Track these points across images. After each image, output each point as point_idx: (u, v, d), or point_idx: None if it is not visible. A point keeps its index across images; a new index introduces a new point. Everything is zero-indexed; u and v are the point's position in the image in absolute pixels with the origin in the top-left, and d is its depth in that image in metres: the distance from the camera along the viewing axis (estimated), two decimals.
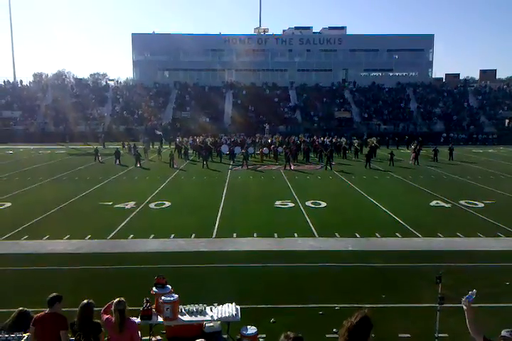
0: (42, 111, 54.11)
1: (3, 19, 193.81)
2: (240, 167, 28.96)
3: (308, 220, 15.21)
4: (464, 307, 4.54)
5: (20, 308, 5.65)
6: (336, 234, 13.49)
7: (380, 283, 9.88)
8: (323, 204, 17.77)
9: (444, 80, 73.09)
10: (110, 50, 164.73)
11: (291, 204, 17.70)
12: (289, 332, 3.81)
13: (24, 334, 4.90)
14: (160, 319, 6.96)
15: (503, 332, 4.13)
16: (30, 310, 5.74)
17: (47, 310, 5.40)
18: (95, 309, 5.59)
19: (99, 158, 31.82)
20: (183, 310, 7.10)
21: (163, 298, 6.92)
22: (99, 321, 5.53)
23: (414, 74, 66.78)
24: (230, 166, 29.71)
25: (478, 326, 4.36)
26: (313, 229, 14.12)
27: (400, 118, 53.88)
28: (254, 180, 24.47)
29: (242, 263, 11.04)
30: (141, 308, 6.93)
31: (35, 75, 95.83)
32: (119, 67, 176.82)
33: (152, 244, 12.57)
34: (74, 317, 5.54)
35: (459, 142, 47.31)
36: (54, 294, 5.46)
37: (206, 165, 28.79)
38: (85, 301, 5.38)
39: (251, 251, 12.02)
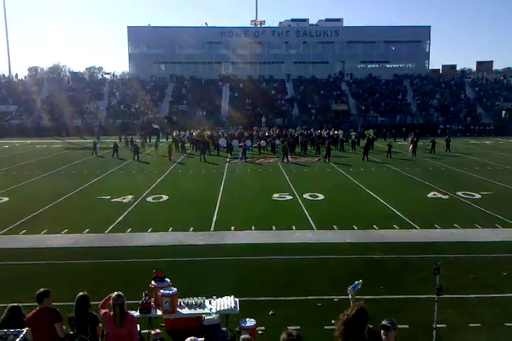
0: (38, 105, 53.83)
1: None
2: (238, 160, 28.94)
3: (306, 213, 15.22)
4: (349, 296, 4.58)
5: (11, 304, 5.54)
6: (334, 226, 13.52)
7: (378, 274, 9.91)
8: (321, 196, 17.78)
9: (440, 72, 72.92)
10: (106, 44, 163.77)
11: (289, 197, 17.71)
12: (290, 330, 3.79)
13: (23, 329, 4.88)
14: (159, 312, 6.97)
15: (383, 321, 4.17)
16: (28, 304, 5.72)
17: (37, 307, 5.39)
18: (94, 303, 5.59)
19: (97, 151, 31.72)
20: (181, 303, 7.12)
21: (161, 291, 6.93)
22: (96, 314, 5.53)
23: (411, 65, 66.56)
24: (228, 159, 29.70)
25: None
26: (311, 221, 14.14)
27: (397, 110, 53.82)
28: (252, 173, 24.45)
29: (241, 256, 11.06)
30: (140, 302, 6.94)
31: (30, 69, 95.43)
32: (115, 61, 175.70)
33: (150, 238, 12.57)
34: (72, 311, 5.55)
35: (456, 133, 47.31)
36: (41, 290, 5.42)
37: (204, 158, 28.77)
38: (80, 293, 5.47)
39: (249, 243, 12.03)
